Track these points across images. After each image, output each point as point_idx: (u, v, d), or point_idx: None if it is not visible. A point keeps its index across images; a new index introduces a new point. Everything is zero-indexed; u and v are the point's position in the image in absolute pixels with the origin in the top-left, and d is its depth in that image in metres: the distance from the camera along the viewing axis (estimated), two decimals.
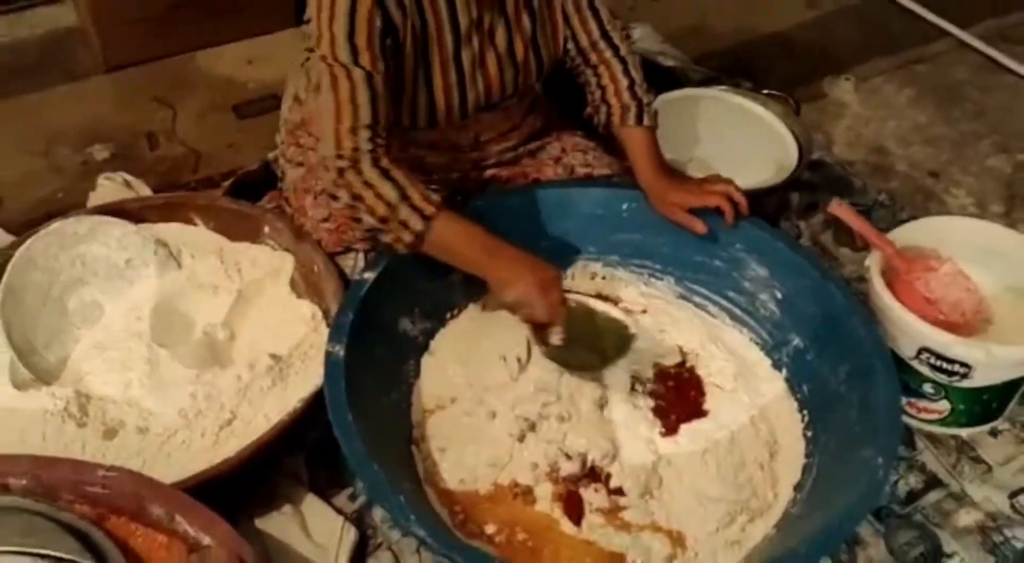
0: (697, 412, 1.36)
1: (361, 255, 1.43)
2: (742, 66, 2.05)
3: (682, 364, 1.42)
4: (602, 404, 1.34)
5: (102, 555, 1.02)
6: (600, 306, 1.44)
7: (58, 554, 0.99)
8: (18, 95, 1.99)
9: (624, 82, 1.43)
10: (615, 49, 1.45)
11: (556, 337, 1.31)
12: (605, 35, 1.45)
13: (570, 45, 1.46)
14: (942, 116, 2.01)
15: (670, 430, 1.33)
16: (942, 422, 1.40)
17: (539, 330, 1.33)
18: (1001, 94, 2.07)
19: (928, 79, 2.11)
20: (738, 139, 1.68)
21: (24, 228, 1.54)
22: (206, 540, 1.06)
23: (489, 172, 1.51)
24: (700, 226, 1.39)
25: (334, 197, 1.27)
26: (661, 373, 1.40)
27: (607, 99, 1.44)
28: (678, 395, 1.38)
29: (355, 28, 1.21)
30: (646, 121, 1.41)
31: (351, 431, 1.15)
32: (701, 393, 1.38)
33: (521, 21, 1.38)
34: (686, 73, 1.98)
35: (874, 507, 1.28)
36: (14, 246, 1.42)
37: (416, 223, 1.23)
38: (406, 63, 1.31)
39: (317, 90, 1.26)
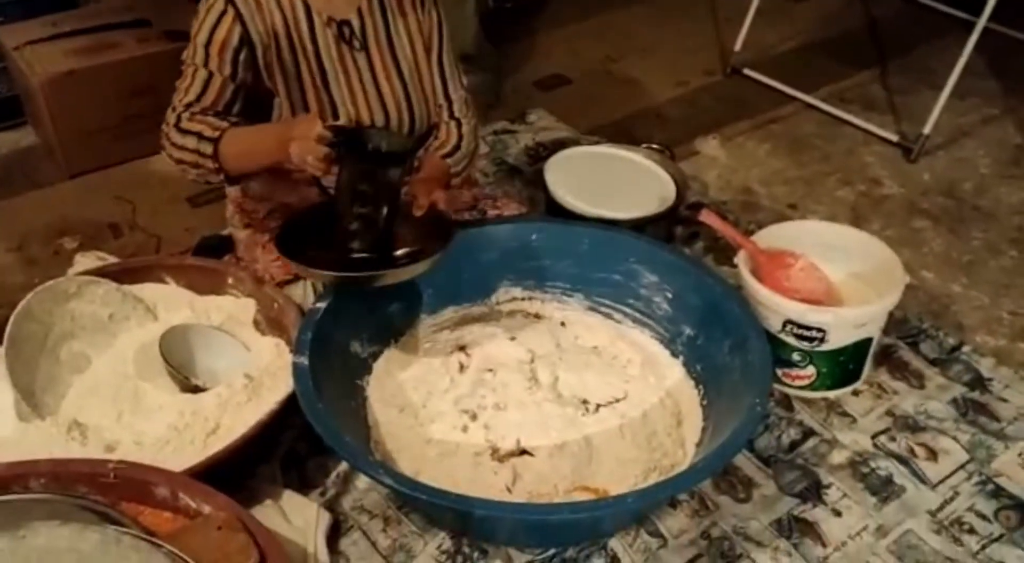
0: None
1: (309, 283, 1.68)
2: (625, 135, 2.39)
3: None
4: (532, 393, 1.59)
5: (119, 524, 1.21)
6: None
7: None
8: None
9: (453, 140, 1.74)
10: (451, 111, 1.76)
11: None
12: (447, 96, 1.76)
13: None
14: (795, 161, 2.38)
15: (592, 411, 1.58)
16: (811, 386, 1.67)
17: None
18: (842, 142, 2.46)
19: (781, 135, 2.49)
20: (626, 183, 1.99)
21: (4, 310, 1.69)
22: (207, 509, 1.25)
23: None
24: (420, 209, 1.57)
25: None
26: None
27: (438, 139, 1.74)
28: None
29: (212, 39, 1.52)
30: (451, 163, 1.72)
31: (322, 415, 1.36)
32: None
33: (391, 81, 1.67)
34: (578, 141, 2.33)
35: (753, 431, 1.50)
36: None
37: (207, 147, 1.48)
38: (278, 80, 1.59)
39: None
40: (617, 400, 1.60)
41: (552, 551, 1.43)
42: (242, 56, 1.54)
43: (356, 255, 1.53)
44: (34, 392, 1.52)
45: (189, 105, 1.52)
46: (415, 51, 1.70)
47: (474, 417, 1.54)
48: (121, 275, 1.70)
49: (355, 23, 1.62)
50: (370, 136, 1.50)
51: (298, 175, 1.73)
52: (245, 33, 1.53)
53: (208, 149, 1.48)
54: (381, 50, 1.66)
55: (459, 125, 1.75)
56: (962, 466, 1.56)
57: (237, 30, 1.53)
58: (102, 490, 1.27)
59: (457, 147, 1.73)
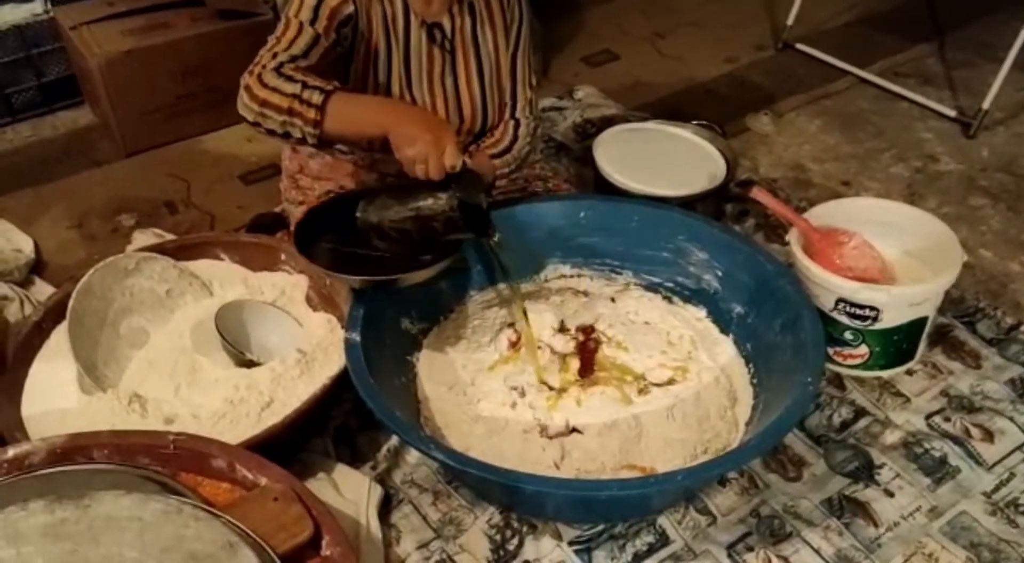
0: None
1: None
2: (673, 112, 2.36)
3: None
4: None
5: (179, 494, 1.24)
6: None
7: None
8: (50, 181, 2.26)
9: (506, 141, 1.72)
10: (513, 110, 1.74)
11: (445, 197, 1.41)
12: (513, 95, 1.74)
13: None
14: (848, 137, 2.34)
15: (642, 392, 1.58)
16: (864, 366, 1.66)
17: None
18: (896, 117, 2.41)
19: (834, 110, 2.45)
20: (675, 160, 1.97)
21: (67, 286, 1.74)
22: (263, 481, 1.28)
23: None
24: None
25: (248, 121, 1.44)
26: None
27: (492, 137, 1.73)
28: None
29: (323, 1, 1.47)
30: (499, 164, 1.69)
31: (374, 391, 1.38)
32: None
33: (471, 83, 1.67)
34: (627, 118, 2.31)
35: (805, 410, 1.48)
36: (53, 297, 1.66)
37: (316, 97, 1.38)
38: (369, 72, 1.57)
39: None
40: (669, 380, 1.60)
41: (601, 527, 1.44)
42: (345, 30, 1.52)
43: (373, 253, 1.50)
44: (96, 366, 1.56)
45: (294, 58, 1.45)
46: (498, 49, 1.68)
47: (523, 394, 1.55)
48: (177, 251, 1.74)
49: (446, 25, 1.61)
50: (478, 184, 1.47)
51: (360, 161, 1.74)
52: (355, 12, 1.52)
53: (317, 98, 1.39)
54: (466, 51, 1.65)
55: (517, 126, 1.73)
56: (1018, 447, 1.54)
57: (350, 6, 1.51)
58: (162, 461, 1.30)
59: (508, 148, 1.71)
